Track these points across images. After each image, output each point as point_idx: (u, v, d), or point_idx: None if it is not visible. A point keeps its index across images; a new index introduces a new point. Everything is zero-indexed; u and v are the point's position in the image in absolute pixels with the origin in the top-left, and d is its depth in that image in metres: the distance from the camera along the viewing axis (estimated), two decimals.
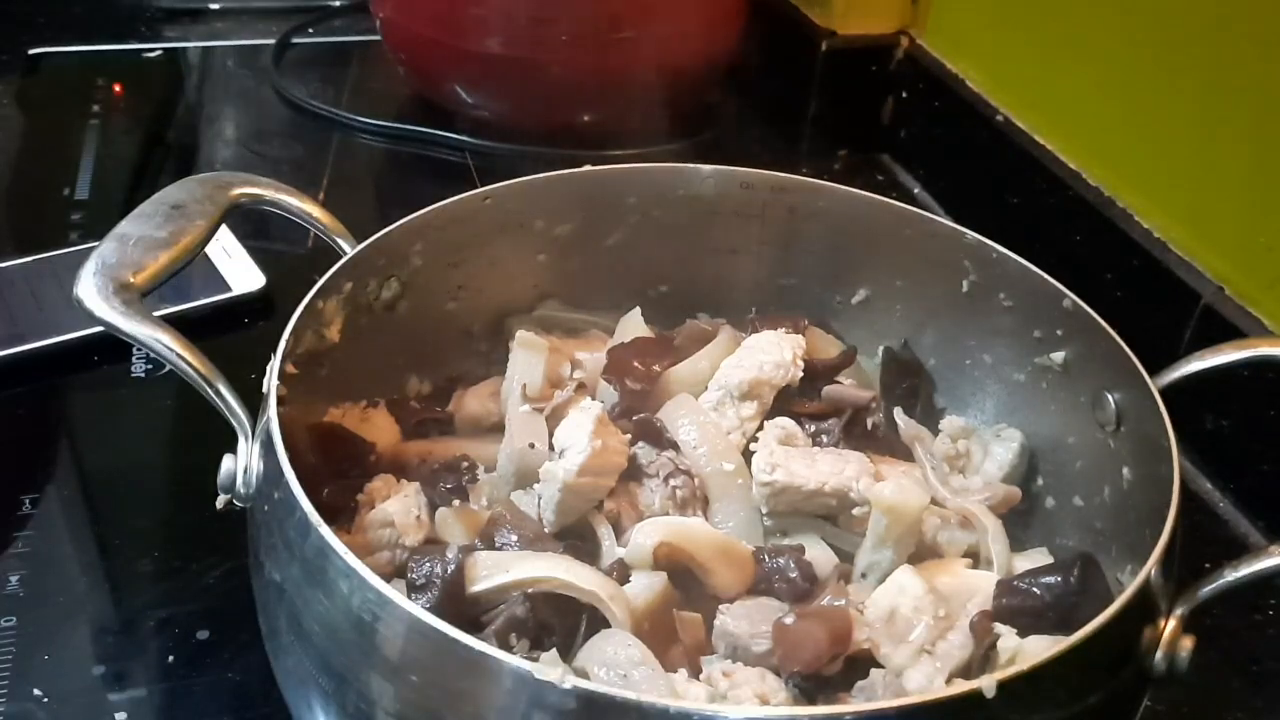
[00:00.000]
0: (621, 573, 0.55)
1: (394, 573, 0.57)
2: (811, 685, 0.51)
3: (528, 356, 0.66)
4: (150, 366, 0.83)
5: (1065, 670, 0.43)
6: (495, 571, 0.52)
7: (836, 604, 0.54)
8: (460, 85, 1.13)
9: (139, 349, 0.82)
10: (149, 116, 1.20)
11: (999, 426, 0.68)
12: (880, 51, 1.17)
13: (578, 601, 0.52)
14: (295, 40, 1.32)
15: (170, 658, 0.63)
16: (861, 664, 0.52)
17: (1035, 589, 0.53)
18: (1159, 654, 0.48)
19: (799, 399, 0.65)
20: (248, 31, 1.35)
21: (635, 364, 0.65)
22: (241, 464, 0.52)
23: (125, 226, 0.57)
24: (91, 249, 0.56)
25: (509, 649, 0.50)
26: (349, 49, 1.35)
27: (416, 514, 0.58)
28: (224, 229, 0.72)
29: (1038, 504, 0.66)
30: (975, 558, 0.60)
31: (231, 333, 0.87)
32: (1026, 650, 0.51)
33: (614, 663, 0.50)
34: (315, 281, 0.59)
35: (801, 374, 0.65)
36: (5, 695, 0.60)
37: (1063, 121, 0.96)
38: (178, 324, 0.53)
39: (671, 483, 0.60)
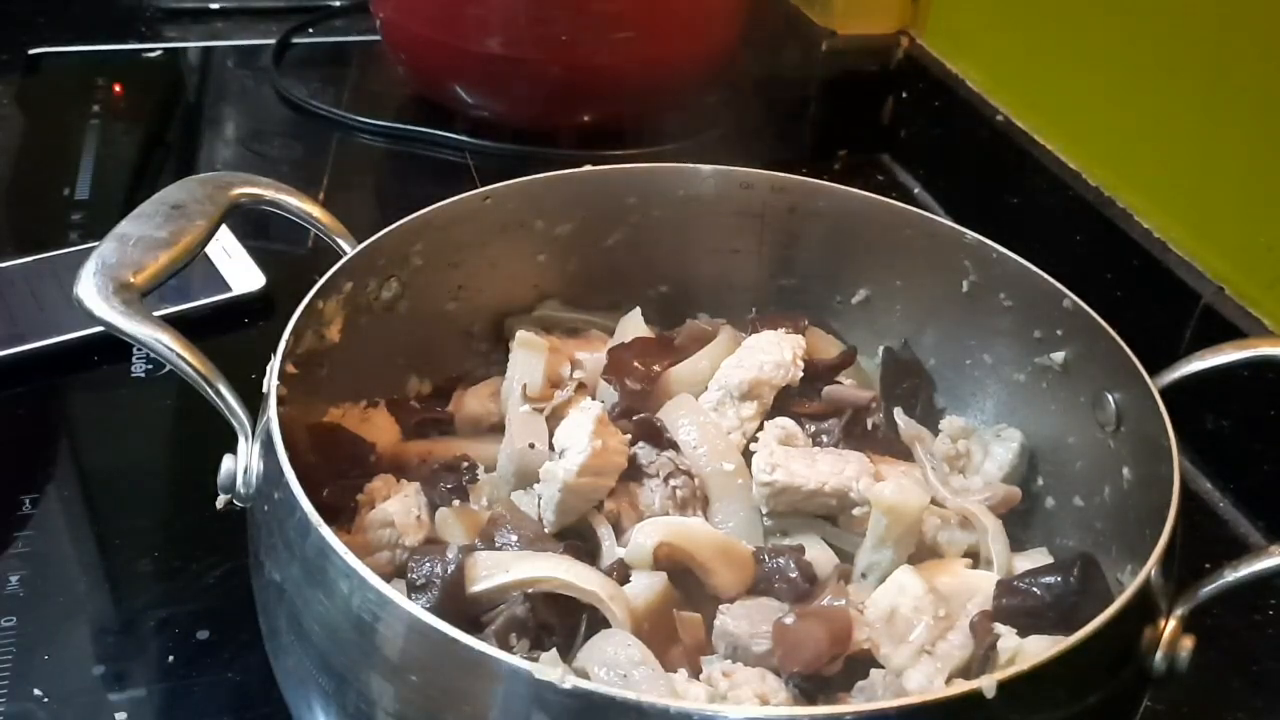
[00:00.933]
0: (621, 573, 0.55)
1: (394, 573, 0.57)
2: (811, 685, 0.51)
3: (528, 356, 0.66)
4: (150, 366, 0.83)
5: (1065, 670, 0.43)
6: (495, 571, 0.52)
7: (836, 604, 0.54)
8: (460, 85, 1.13)
9: (139, 349, 0.82)
10: (149, 116, 1.20)
11: (999, 426, 0.68)
12: (880, 51, 1.17)
13: (578, 601, 0.52)
14: (295, 40, 1.32)
15: (170, 658, 0.63)
16: (861, 664, 0.52)
17: (1035, 589, 0.53)
18: (1159, 654, 0.48)
19: (799, 399, 0.65)
20: (248, 31, 1.35)
21: (635, 364, 0.65)
22: (241, 464, 0.52)
23: (125, 226, 0.57)
24: (91, 249, 0.56)
25: (509, 649, 0.50)
26: (349, 49, 1.35)
27: (416, 514, 0.58)
28: (224, 229, 0.72)
29: (1038, 504, 0.66)
30: (975, 558, 0.60)
31: (231, 333, 0.87)
32: (1026, 650, 0.51)
33: (614, 663, 0.50)
34: (315, 281, 0.59)
35: (801, 374, 0.65)
36: (5, 695, 0.60)
37: (1063, 121, 0.96)
38: (178, 324, 0.53)
39: (671, 483, 0.60)
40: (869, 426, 0.65)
